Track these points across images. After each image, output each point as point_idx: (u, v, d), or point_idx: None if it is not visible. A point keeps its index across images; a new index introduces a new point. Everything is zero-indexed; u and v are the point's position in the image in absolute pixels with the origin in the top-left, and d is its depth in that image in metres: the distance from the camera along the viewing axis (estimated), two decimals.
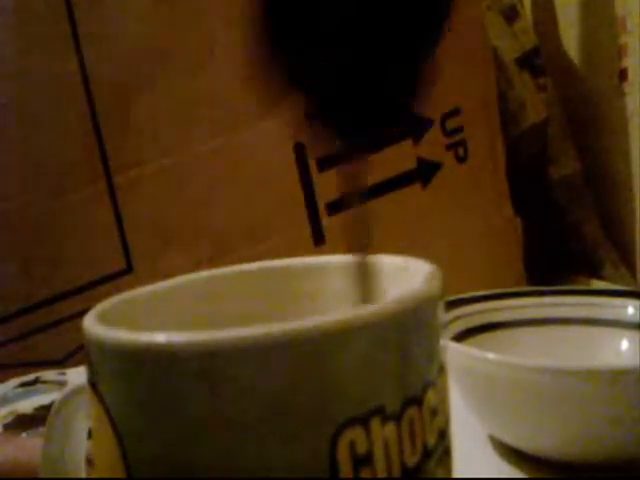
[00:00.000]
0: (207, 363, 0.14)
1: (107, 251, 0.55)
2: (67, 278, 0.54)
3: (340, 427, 0.14)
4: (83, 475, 0.22)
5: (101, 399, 0.16)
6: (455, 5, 0.18)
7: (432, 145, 0.58)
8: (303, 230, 0.56)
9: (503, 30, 0.68)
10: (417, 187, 0.58)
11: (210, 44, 0.54)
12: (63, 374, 0.44)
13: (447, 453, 0.17)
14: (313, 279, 0.23)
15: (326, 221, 0.57)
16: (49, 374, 0.44)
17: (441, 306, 0.17)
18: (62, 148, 0.54)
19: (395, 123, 0.19)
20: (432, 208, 0.58)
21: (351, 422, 0.14)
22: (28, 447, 0.31)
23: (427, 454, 0.16)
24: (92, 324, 0.16)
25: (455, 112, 0.58)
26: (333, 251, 0.22)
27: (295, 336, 0.14)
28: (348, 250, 0.20)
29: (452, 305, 0.37)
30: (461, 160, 0.59)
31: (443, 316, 0.18)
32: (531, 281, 0.62)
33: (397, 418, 0.15)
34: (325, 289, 0.23)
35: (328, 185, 0.56)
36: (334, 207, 0.57)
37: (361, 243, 0.20)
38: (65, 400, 0.21)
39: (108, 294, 0.20)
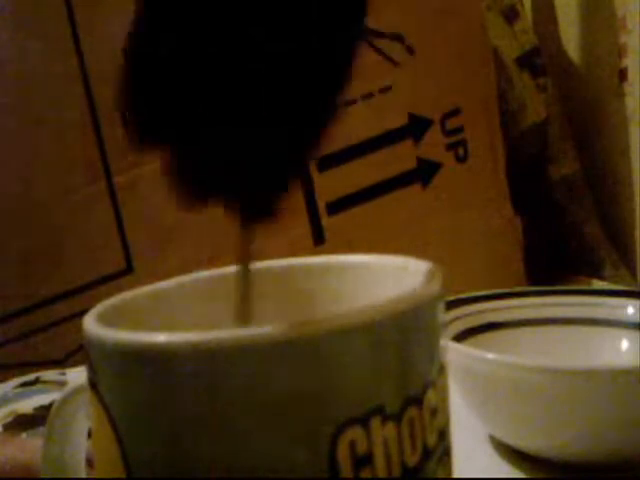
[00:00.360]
0: (207, 363, 0.14)
1: (107, 251, 0.55)
2: (67, 278, 0.54)
3: (340, 427, 0.14)
4: (83, 475, 0.22)
5: (101, 399, 0.16)
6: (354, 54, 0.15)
7: (432, 145, 0.58)
8: (303, 230, 0.56)
9: (503, 30, 0.68)
10: (417, 187, 0.58)
11: None
12: (63, 374, 0.44)
13: (447, 453, 0.17)
14: (313, 279, 0.23)
15: (326, 221, 0.57)
16: (49, 374, 0.44)
17: (441, 306, 0.17)
18: (62, 148, 0.54)
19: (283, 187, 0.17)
20: (432, 208, 0.58)
21: (351, 422, 0.14)
22: (28, 447, 0.31)
23: (427, 454, 0.16)
24: (92, 324, 0.16)
25: (455, 112, 0.58)
26: (333, 251, 0.22)
27: (295, 336, 0.14)
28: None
29: (452, 305, 0.37)
30: (461, 160, 0.59)
31: (443, 316, 0.18)
32: (531, 281, 0.62)
33: (397, 418, 0.15)
34: (325, 289, 0.23)
35: (328, 185, 0.56)
36: (334, 207, 0.57)
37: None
38: (65, 400, 0.21)
39: (108, 294, 0.20)
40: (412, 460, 0.15)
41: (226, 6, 0.15)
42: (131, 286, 0.21)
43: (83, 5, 0.54)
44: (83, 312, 0.17)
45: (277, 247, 0.55)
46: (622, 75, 0.63)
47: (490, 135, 0.61)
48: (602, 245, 0.65)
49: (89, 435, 0.21)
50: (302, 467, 0.14)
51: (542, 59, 0.69)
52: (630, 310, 0.36)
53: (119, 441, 0.15)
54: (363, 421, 0.14)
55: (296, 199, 0.56)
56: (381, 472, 0.15)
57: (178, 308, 0.22)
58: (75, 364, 0.49)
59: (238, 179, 0.16)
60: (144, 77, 0.15)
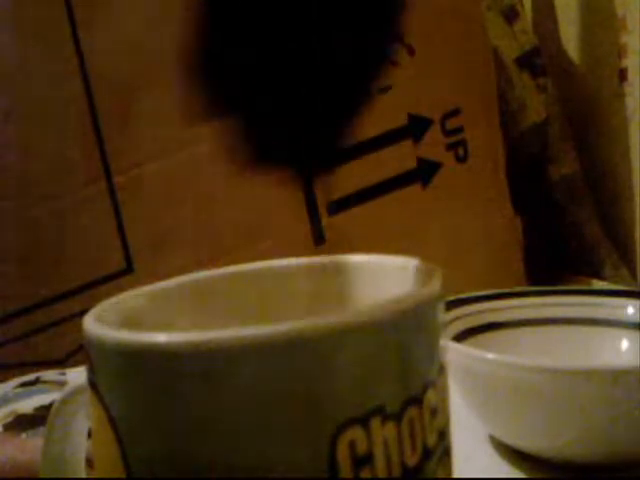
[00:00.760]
0: (207, 363, 0.14)
1: (107, 251, 0.55)
2: (67, 278, 0.54)
3: (340, 427, 0.14)
4: (83, 475, 0.22)
5: (101, 399, 0.16)
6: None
7: (432, 145, 0.58)
8: (303, 230, 0.56)
9: (503, 30, 0.68)
10: (417, 187, 0.58)
11: None
12: (63, 374, 0.44)
13: (447, 453, 0.17)
14: (313, 279, 0.23)
15: (326, 221, 0.57)
16: (49, 374, 0.44)
17: (441, 306, 0.17)
18: (62, 148, 0.54)
19: (330, 148, 0.19)
20: (432, 208, 0.58)
21: (351, 422, 0.14)
22: (28, 447, 0.31)
23: (427, 454, 0.16)
24: (92, 324, 0.16)
25: (455, 112, 0.58)
26: (333, 251, 0.22)
27: (295, 336, 0.14)
28: None
29: (452, 305, 0.37)
30: (461, 160, 0.59)
31: (443, 316, 0.18)
32: (531, 281, 0.62)
33: (397, 418, 0.15)
34: (325, 289, 0.23)
35: (328, 185, 0.56)
36: (334, 207, 0.57)
37: None
38: (65, 400, 0.21)
39: (108, 294, 0.20)
40: (412, 460, 0.15)
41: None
42: (131, 286, 0.21)
43: (83, 5, 0.54)
44: (83, 312, 0.17)
45: (277, 247, 0.55)
46: (622, 75, 0.63)
47: (490, 135, 0.61)
48: (602, 245, 0.65)
49: (89, 435, 0.21)
50: (302, 467, 0.14)
51: (542, 59, 0.69)
52: (630, 310, 0.36)
53: (119, 441, 0.15)
54: (363, 421, 0.14)
55: (296, 199, 0.56)
56: (381, 472, 0.15)
57: (178, 308, 0.22)
58: (75, 364, 0.49)
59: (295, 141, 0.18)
60: (218, 54, 0.17)
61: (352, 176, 0.57)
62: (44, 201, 0.54)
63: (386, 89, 0.57)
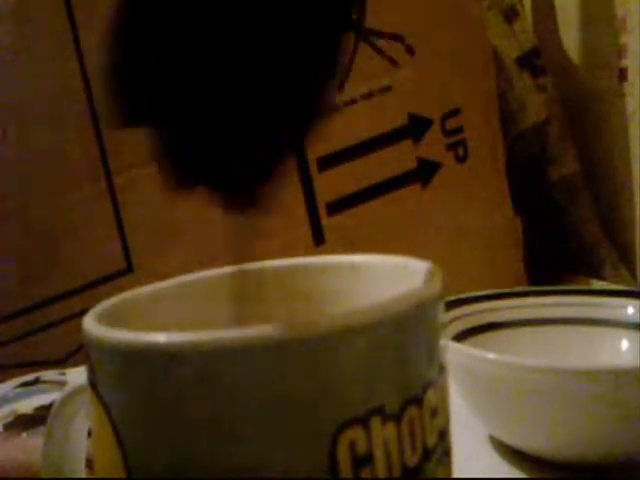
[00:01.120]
0: (207, 363, 0.14)
1: (107, 251, 0.55)
2: (67, 278, 0.54)
3: (340, 427, 0.14)
4: (83, 475, 0.22)
5: (101, 399, 0.16)
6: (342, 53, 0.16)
7: (432, 145, 0.58)
8: (303, 230, 0.56)
9: (503, 30, 0.68)
10: (417, 187, 0.58)
11: None
12: (63, 374, 0.44)
13: (447, 453, 0.17)
14: (313, 279, 0.23)
15: (326, 221, 0.57)
16: (49, 374, 0.44)
17: (441, 306, 0.17)
18: (62, 148, 0.54)
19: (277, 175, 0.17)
20: (432, 208, 0.58)
21: (351, 422, 0.14)
22: (28, 447, 0.31)
23: (427, 454, 0.16)
24: (92, 324, 0.16)
25: (455, 112, 0.58)
26: (333, 251, 0.22)
27: (295, 336, 0.14)
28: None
29: (452, 305, 0.37)
30: (461, 160, 0.59)
31: (443, 316, 0.18)
32: (531, 281, 0.62)
33: (397, 418, 0.15)
34: (325, 289, 0.23)
35: (328, 185, 0.56)
36: (334, 207, 0.57)
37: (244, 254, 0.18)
38: (65, 400, 0.21)
39: (108, 294, 0.20)
40: (412, 460, 0.15)
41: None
42: (131, 286, 0.21)
43: (83, 5, 0.54)
44: (83, 312, 0.17)
45: (277, 247, 0.55)
46: (622, 75, 0.63)
47: (490, 135, 0.61)
48: (602, 245, 0.65)
49: (89, 435, 0.21)
50: (302, 467, 0.14)
51: (542, 59, 0.69)
52: (630, 310, 0.36)
53: (119, 441, 0.15)
54: (363, 421, 0.14)
55: (296, 199, 0.56)
56: (381, 472, 0.15)
57: (178, 308, 0.22)
58: (75, 364, 0.49)
59: (222, 166, 0.17)
60: (133, 61, 0.15)
61: (352, 176, 0.57)
62: (44, 201, 0.54)
63: (386, 89, 0.57)
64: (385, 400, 0.15)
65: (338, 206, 0.57)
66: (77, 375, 0.42)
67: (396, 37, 0.57)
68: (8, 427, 0.36)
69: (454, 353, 0.31)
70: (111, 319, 0.17)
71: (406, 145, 0.58)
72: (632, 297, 0.37)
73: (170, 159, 0.16)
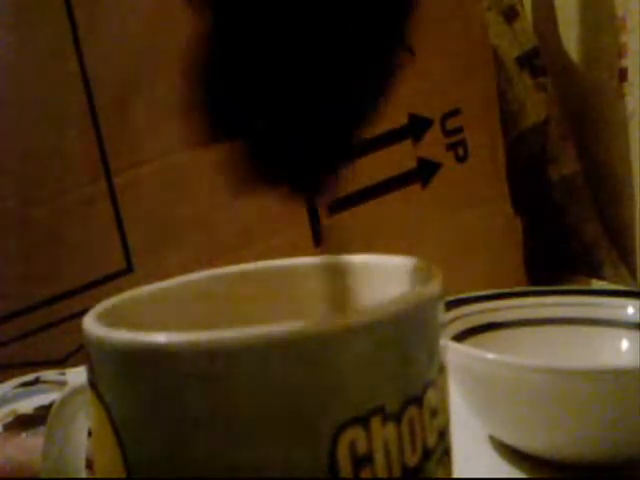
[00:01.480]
0: (207, 363, 0.14)
1: (107, 251, 0.55)
2: (67, 278, 0.54)
3: (340, 427, 0.14)
4: (83, 475, 0.22)
5: (101, 399, 0.16)
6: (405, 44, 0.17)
7: (432, 145, 0.58)
8: (303, 230, 0.56)
9: (503, 30, 0.68)
10: (417, 187, 0.58)
11: None
12: (63, 374, 0.44)
13: (447, 453, 0.17)
14: (313, 279, 0.23)
15: (326, 221, 0.57)
16: (49, 374, 0.44)
17: (441, 306, 0.17)
18: (62, 148, 0.54)
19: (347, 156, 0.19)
20: (432, 208, 0.58)
21: (351, 422, 0.14)
22: (28, 447, 0.31)
23: (427, 454, 0.16)
24: (92, 324, 0.16)
25: (455, 112, 0.58)
26: (333, 251, 0.22)
27: (295, 336, 0.14)
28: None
29: (452, 305, 0.37)
30: (461, 160, 0.59)
31: (443, 316, 0.18)
32: (531, 281, 0.62)
33: (397, 418, 0.15)
34: (325, 289, 0.23)
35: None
36: (334, 207, 0.57)
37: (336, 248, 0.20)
38: (65, 400, 0.21)
39: (108, 294, 0.20)
40: (412, 460, 0.15)
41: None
42: (131, 286, 0.21)
43: (83, 5, 0.54)
44: (83, 312, 0.17)
45: (277, 247, 0.55)
46: (622, 75, 0.63)
47: (490, 135, 0.61)
48: (602, 245, 0.65)
49: (89, 435, 0.21)
50: (302, 467, 0.14)
51: (542, 59, 0.69)
52: (630, 310, 0.36)
53: (119, 441, 0.15)
54: (363, 421, 0.14)
55: (296, 199, 0.56)
56: (381, 472, 0.15)
57: (178, 308, 0.22)
58: (75, 364, 0.49)
59: (297, 164, 0.18)
60: (216, 74, 0.17)
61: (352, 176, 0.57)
62: (44, 201, 0.54)
63: None
64: (385, 400, 0.15)
65: (338, 206, 0.57)
66: (77, 375, 0.42)
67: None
68: (8, 427, 0.36)
69: (454, 353, 0.31)
70: (111, 319, 0.17)
71: (406, 145, 0.58)
72: (632, 297, 0.37)
73: (253, 162, 0.17)
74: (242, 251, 0.54)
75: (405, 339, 0.16)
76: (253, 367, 0.14)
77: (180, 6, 0.16)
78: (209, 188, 0.55)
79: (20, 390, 0.42)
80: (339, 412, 0.14)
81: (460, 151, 0.59)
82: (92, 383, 0.16)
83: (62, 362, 0.53)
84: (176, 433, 0.14)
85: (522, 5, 0.71)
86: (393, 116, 0.57)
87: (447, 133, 0.59)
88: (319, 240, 0.57)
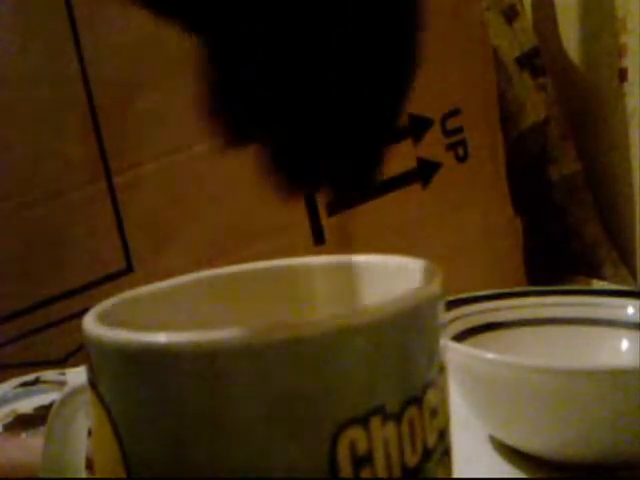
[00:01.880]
0: (207, 363, 0.14)
1: (107, 251, 0.55)
2: (67, 278, 0.54)
3: (340, 427, 0.14)
4: (83, 475, 0.22)
5: (101, 399, 0.16)
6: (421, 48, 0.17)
7: (432, 145, 0.58)
8: (303, 230, 0.56)
9: (503, 30, 0.68)
10: (417, 187, 0.58)
11: None
12: (63, 374, 0.44)
13: (447, 453, 0.17)
14: (313, 279, 0.23)
15: (326, 221, 0.57)
16: (49, 374, 0.44)
17: (441, 306, 0.17)
18: (62, 148, 0.54)
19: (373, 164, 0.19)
20: (432, 208, 0.58)
21: (351, 422, 0.14)
22: (28, 447, 0.31)
23: (427, 454, 0.16)
24: (92, 324, 0.16)
25: (455, 112, 0.58)
26: (333, 251, 0.22)
27: (295, 336, 0.14)
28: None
29: (452, 305, 0.37)
30: (461, 160, 0.59)
31: (443, 316, 0.18)
32: (531, 281, 0.62)
33: (397, 418, 0.15)
34: (325, 289, 0.23)
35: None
36: (334, 207, 0.57)
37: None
38: (65, 400, 0.21)
39: (108, 294, 0.20)
40: (412, 460, 0.15)
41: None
42: (131, 286, 0.21)
43: (83, 5, 0.54)
44: (83, 312, 0.17)
45: (277, 247, 0.55)
46: (622, 75, 0.63)
47: (490, 135, 0.61)
48: (602, 245, 0.65)
49: (89, 435, 0.21)
50: (302, 467, 0.14)
51: (542, 59, 0.69)
52: (630, 310, 0.36)
53: (119, 441, 0.15)
54: (363, 421, 0.14)
55: (296, 199, 0.56)
56: (381, 472, 0.15)
57: (178, 308, 0.22)
58: (75, 364, 0.49)
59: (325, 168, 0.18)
60: (237, 79, 0.17)
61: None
62: (44, 201, 0.54)
63: None
64: (385, 400, 0.15)
65: (338, 206, 0.57)
66: (77, 375, 0.42)
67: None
68: (8, 427, 0.36)
69: (454, 353, 0.31)
70: (111, 319, 0.17)
71: (406, 145, 0.58)
72: (632, 297, 0.37)
73: (281, 166, 0.17)
74: (242, 251, 0.55)
75: (405, 339, 0.16)
76: (253, 367, 0.14)
77: None
78: (209, 188, 0.55)
79: (20, 390, 0.42)
80: (339, 412, 0.14)
81: (460, 151, 0.59)
82: (92, 383, 0.16)
83: (62, 362, 0.53)
84: (176, 433, 0.14)
85: (522, 5, 0.71)
86: None
87: (447, 133, 0.59)
88: (319, 240, 0.57)
